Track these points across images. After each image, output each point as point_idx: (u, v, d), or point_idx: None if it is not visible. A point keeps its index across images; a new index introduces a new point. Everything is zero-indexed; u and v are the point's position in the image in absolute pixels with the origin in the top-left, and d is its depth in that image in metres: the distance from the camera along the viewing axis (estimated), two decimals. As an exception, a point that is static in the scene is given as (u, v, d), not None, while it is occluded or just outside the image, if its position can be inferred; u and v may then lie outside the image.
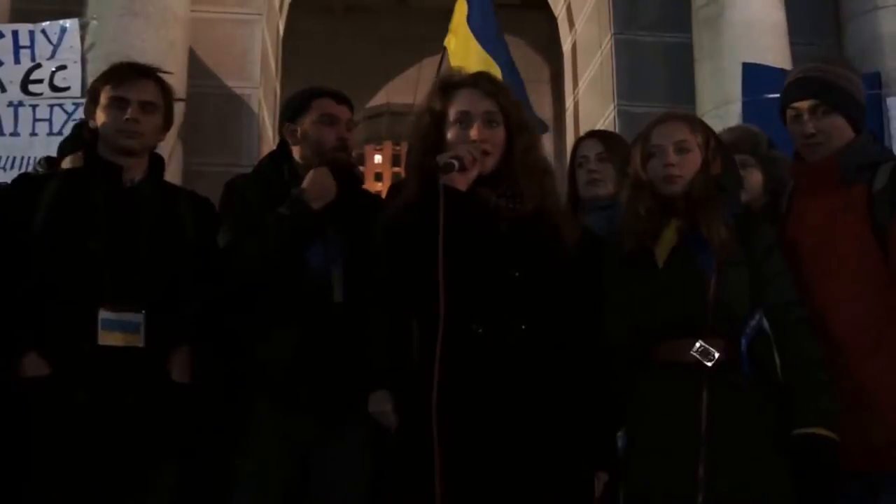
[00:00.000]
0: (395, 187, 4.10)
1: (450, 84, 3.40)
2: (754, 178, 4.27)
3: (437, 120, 3.36)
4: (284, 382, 3.57)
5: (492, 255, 3.16)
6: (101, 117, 3.71)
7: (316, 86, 4.02)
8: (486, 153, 3.26)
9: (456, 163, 3.14)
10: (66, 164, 4.27)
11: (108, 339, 3.45)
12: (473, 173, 3.21)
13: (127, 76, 3.73)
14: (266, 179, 3.88)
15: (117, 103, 3.67)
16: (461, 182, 3.17)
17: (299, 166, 3.84)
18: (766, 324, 3.26)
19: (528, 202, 3.26)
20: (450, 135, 3.31)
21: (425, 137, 3.37)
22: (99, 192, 3.63)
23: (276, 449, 3.57)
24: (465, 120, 3.29)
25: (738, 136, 4.47)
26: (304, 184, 3.65)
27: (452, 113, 3.32)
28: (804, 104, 3.56)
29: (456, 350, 3.06)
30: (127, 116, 3.65)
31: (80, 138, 4.13)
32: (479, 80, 3.39)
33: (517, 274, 3.16)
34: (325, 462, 3.63)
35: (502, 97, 3.35)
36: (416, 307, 3.18)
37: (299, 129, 3.88)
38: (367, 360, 3.34)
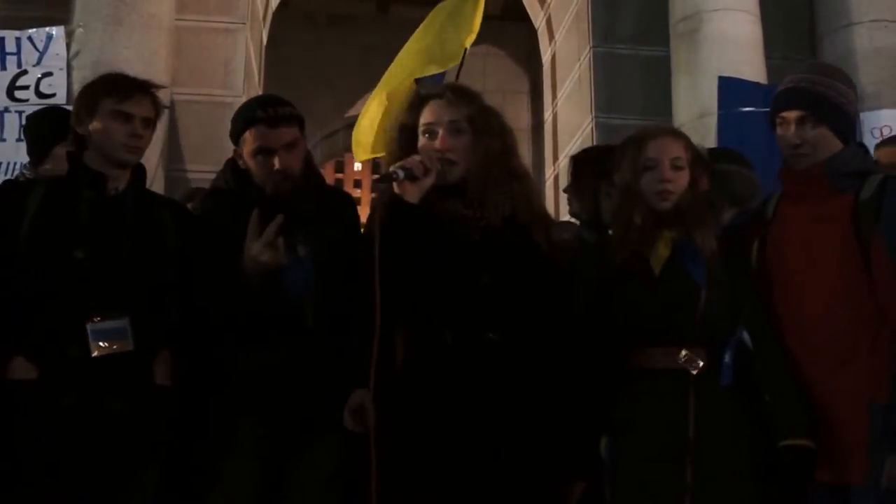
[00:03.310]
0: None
1: (419, 98, 3.45)
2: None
3: (409, 133, 3.40)
4: (259, 400, 3.58)
5: (456, 264, 3.18)
6: (99, 129, 3.65)
7: (252, 103, 3.84)
8: (451, 162, 3.29)
9: (402, 172, 3.16)
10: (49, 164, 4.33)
11: (96, 349, 3.46)
12: (428, 182, 3.22)
13: (131, 92, 3.70)
14: (237, 197, 3.77)
15: (122, 118, 3.64)
16: (411, 192, 3.19)
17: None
18: (746, 336, 3.32)
19: (496, 210, 3.29)
20: (419, 147, 3.34)
21: (397, 151, 3.40)
22: (84, 200, 3.62)
23: (250, 460, 3.60)
24: (431, 131, 3.33)
25: None
26: None
27: (421, 125, 3.36)
28: (791, 115, 3.55)
29: (426, 357, 3.12)
30: (134, 133, 3.65)
31: (53, 135, 4.23)
32: (446, 91, 3.42)
33: (486, 281, 3.18)
34: (296, 480, 3.64)
35: (467, 106, 3.38)
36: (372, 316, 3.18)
37: (242, 156, 3.76)
38: (350, 363, 3.36)
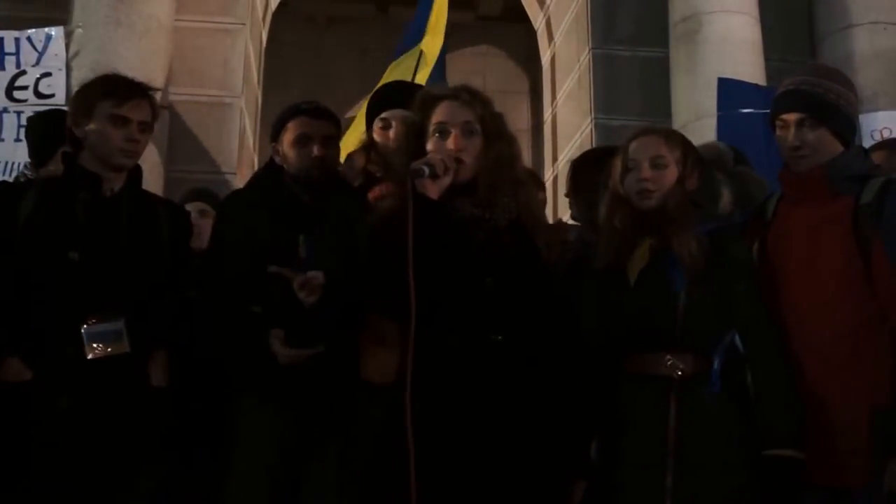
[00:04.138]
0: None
1: (431, 96, 3.43)
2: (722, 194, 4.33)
3: (417, 132, 3.38)
4: (278, 386, 3.67)
5: (466, 264, 3.19)
6: (96, 132, 3.66)
7: (298, 102, 4.09)
8: (461, 161, 3.27)
9: (426, 169, 3.15)
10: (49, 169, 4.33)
11: (92, 351, 3.47)
12: (446, 181, 3.22)
13: (129, 95, 3.70)
14: (266, 194, 4.00)
15: (119, 122, 3.64)
16: (432, 190, 3.18)
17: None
18: (738, 341, 3.31)
19: (503, 213, 3.29)
20: (429, 145, 3.32)
21: (406, 149, 3.40)
22: (79, 201, 3.62)
23: (267, 448, 3.69)
24: (443, 130, 3.31)
25: (703, 151, 4.50)
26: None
27: (431, 124, 3.34)
28: (791, 117, 3.54)
29: (430, 359, 3.10)
30: (131, 138, 3.65)
31: (55, 138, 4.18)
32: (460, 92, 3.40)
33: (491, 284, 3.19)
34: (314, 465, 3.74)
35: (481, 108, 3.37)
36: (396, 314, 3.21)
37: (280, 150, 3.99)
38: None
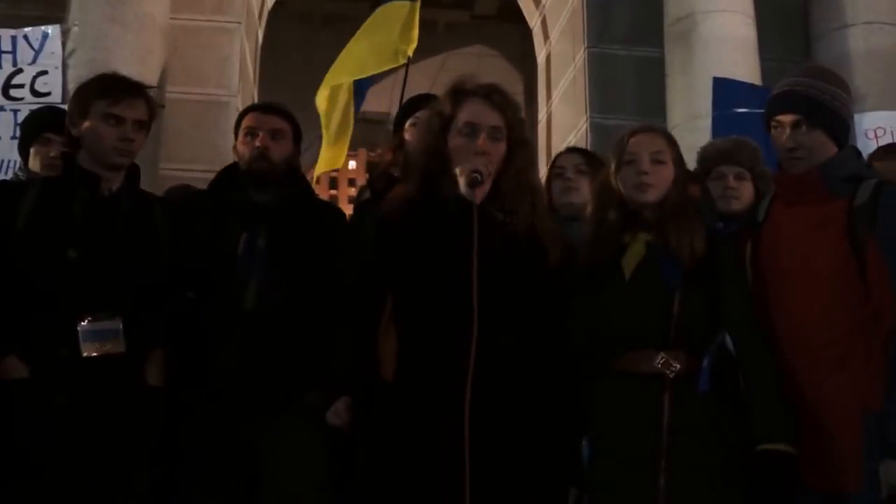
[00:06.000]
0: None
1: (463, 90, 3.42)
2: (747, 191, 4.39)
3: (443, 123, 3.39)
4: (224, 385, 3.67)
5: (488, 269, 3.19)
6: (91, 131, 3.68)
7: (256, 102, 4.17)
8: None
9: (479, 177, 3.20)
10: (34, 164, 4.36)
11: (88, 349, 3.48)
12: (487, 187, 3.26)
13: (124, 94, 3.71)
14: (214, 192, 4.09)
15: (113, 121, 3.66)
16: (479, 195, 3.23)
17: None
18: (729, 342, 3.31)
19: (522, 219, 3.31)
20: (453, 141, 3.35)
21: (429, 140, 3.41)
22: (77, 201, 3.64)
23: (221, 446, 3.67)
24: (470, 130, 3.32)
25: (740, 148, 4.50)
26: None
27: (460, 120, 3.35)
28: (786, 118, 3.54)
29: (442, 361, 3.12)
30: (125, 136, 3.67)
31: (35, 133, 4.32)
32: (491, 92, 3.41)
33: (504, 290, 3.21)
34: (273, 458, 3.69)
35: (510, 112, 3.39)
36: (404, 312, 3.24)
37: (236, 147, 4.10)
38: (331, 368, 3.52)
